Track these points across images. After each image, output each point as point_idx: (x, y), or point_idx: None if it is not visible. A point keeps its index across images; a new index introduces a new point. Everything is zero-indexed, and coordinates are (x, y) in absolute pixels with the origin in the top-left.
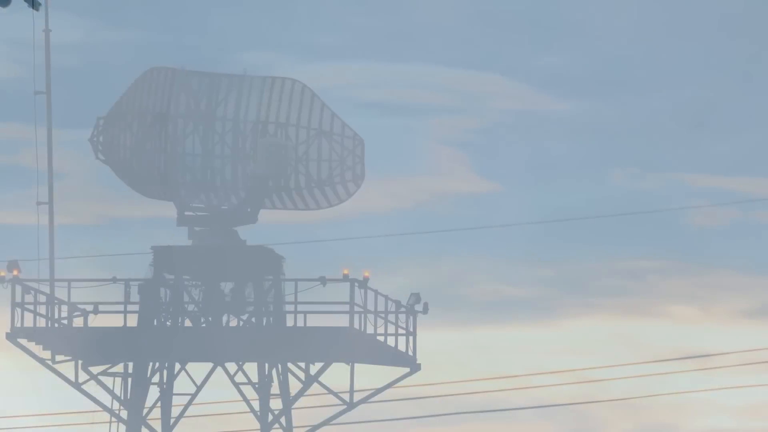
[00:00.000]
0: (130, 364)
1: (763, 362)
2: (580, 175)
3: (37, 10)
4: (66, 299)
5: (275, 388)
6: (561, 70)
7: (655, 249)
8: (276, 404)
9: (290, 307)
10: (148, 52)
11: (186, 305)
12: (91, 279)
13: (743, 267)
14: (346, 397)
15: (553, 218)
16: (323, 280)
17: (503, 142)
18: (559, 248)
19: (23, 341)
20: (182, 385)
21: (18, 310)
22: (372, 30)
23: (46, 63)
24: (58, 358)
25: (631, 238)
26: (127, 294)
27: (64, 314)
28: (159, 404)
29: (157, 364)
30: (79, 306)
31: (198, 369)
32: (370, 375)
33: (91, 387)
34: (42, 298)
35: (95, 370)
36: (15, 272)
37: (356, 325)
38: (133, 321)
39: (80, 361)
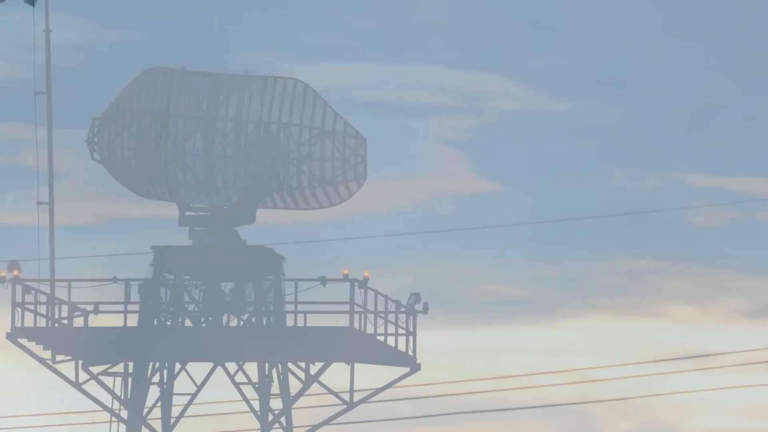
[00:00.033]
0: (131, 364)
1: (763, 362)
2: (580, 175)
3: (33, 5)
4: (66, 299)
5: (275, 388)
6: (561, 70)
7: (655, 249)
8: (276, 404)
9: (290, 307)
10: (148, 53)
11: (186, 305)
12: (92, 279)
13: (743, 267)
14: (346, 396)
15: (553, 218)
16: (323, 280)
17: (503, 142)
18: (559, 248)
19: (24, 341)
20: (182, 384)
21: (18, 310)
22: (372, 30)
23: (46, 63)
24: (59, 358)
25: (631, 238)
26: (127, 294)
27: (64, 314)
28: (159, 404)
29: (158, 364)
30: (79, 306)
31: (198, 369)
32: (370, 375)
33: (92, 387)
34: (42, 298)
35: (95, 369)
36: (15, 272)
37: (356, 325)
38: (133, 321)
39: (80, 361)
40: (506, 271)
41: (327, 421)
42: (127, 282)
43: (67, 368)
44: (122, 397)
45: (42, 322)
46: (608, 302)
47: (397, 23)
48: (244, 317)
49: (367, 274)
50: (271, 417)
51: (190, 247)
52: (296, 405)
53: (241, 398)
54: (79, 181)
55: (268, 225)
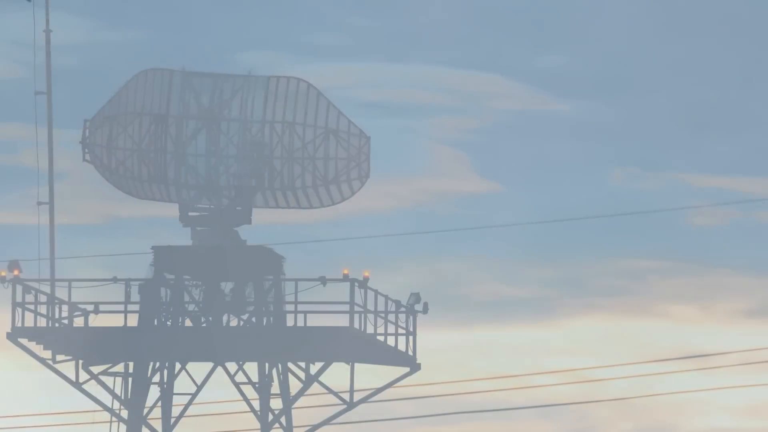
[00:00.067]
0: (131, 364)
1: (762, 362)
2: (580, 175)
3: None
4: (66, 299)
5: (275, 388)
6: (561, 70)
7: (655, 249)
8: (276, 404)
9: (290, 307)
10: (148, 53)
11: (186, 305)
12: (92, 279)
13: (743, 267)
14: (346, 396)
15: (553, 218)
16: (323, 280)
17: (503, 142)
18: (559, 248)
19: (24, 341)
20: (182, 384)
21: (19, 310)
22: (372, 30)
23: (46, 63)
24: (59, 357)
25: (631, 238)
26: (127, 294)
27: (64, 314)
28: (159, 404)
29: (158, 364)
30: (79, 306)
31: (198, 369)
32: (370, 375)
33: (92, 387)
34: (43, 298)
35: (96, 369)
36: (16, 272)
37: (356, 325)
38: (133, 321)
39: (81, 361)
40: (506, 271)
41: (327, 421)
42: (128, 282)
43: (68, 368)
44: (122, 397)
45: (42, 322)
46: (608, 302)
47: (398, 23)
48: (244, 317)
49: (367, 274)
50: (271, 417)
51: (190, 247)
52: (296, 405)
53: (242, 398)
54: (79, 181)
55: (268, 225)
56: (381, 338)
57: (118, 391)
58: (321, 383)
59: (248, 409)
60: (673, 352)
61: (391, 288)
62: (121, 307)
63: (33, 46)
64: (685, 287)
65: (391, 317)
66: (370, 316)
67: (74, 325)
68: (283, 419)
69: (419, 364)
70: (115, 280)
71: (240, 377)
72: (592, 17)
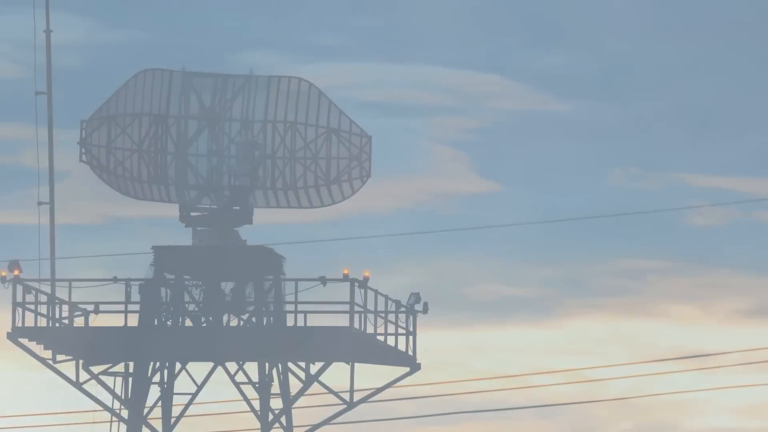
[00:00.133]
0: (131, 364)
1: (762, 362)
2: (580, 175)
3: None
4: (67, 299)
5: (275, 388)
6: (561, 70)
7: (655, 249)
8: (276, 404)
9: (290, 307)
10: (148, 53)
11: (186, 305)
12: (92, 279)
13: (743, 267)
14: (346, 396)
15: (553, 218)
16: (323, 280)
17: (503, 142)
18: (559, 248)
19: (24, 341)
20: (183, 384)
21: (19, 310)
22: (372, 30)
23: (47, 63)
24: (59, 357)
25: (631, 238)
26: (127, 294)
27: (65, 314)
28: (160, 404)
29: (158, 364)
30: (80, 306)
31: (198, 368)
32: (370, 374)
33: (92, 386)
34: (43, 298)
35: (96, 369)
36: (16, 272)
37: (356, 325)
38: (133, 321)
39: (81, 361)
40: (506, 271)
41: (327, 421)
42: (128, 282)
43: (68, 368)
44: (123, 397)
45: (43, 322)
46: (608, 302)
47: (397, 23)
48: (245, 317)
49: (367, 274)
50: (271, 417)
51: (190, 247)
52: (296, 405)
53: (242, 398)
54: (79, 181)
55: (269, 225)
56: (381, 338)
57: (118, 390)
58: (321, 383)
59: (248, 409)
60: (673, 351)
61: (391, 288)
62: (122, 307)
63: (33, 46)
64: (685, 287)
65: (391, 317)
66: (370, 316)
67: (74, 325)
68: (283, 419)
69: (419, 364)
70: (115, 280)
71: (240, 377)
72: (592, 17)
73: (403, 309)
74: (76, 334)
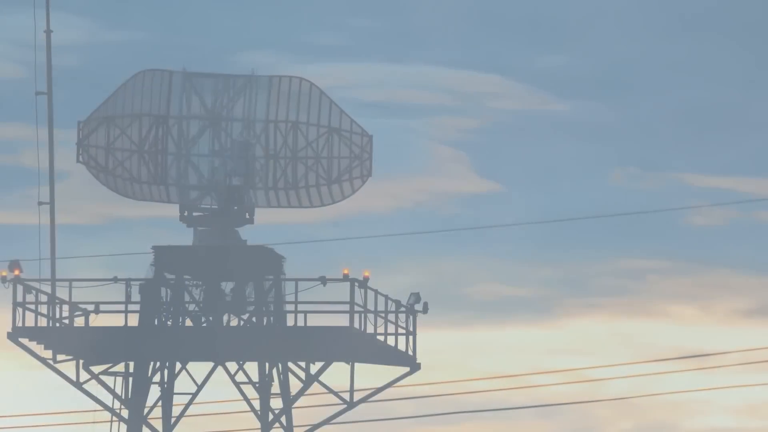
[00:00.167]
0: (131, 364)
1: (762, 362)
2: (580, 175)
3: None
4: (67, 299)
5: (276, 388)
6: (561, 70)
7: (655, 249)
8: (276, 403)
9: (290, 307)
10: (148, 53)
11: (187, 305)
12: (92, 279)
13: (743, 267)
14: (347, 396)
15: (553, 218)
16: (323, 280)
17: (503, 142)
18: (559, 248)
19: (24, 341)
20: (183, 384)
21: (19, 310)
22: (372, 30)
23: (47, 63)
24: (60, 357)
25: (631, 238)
26: (128, 294)
27: (65, 314)
28: (160, 403)
29: (158, 364)
30: (80, 306)
31: (199, 368)
32: (370, 374)
33: (92, 386)
34: (43, 298)
35: (96, 369)
36: (16, 272)
37: (356, 325)
38: (134, 321)
39: (81, 361)
40: (506, 271)
41: (327, 421)
42: (128, 282)
43: (68, 368)
44: (123, 397)
45: (43, 322)
46: (608, 302)
47: (398, 23)
48: (245, 317)
49: (367, 274)
50: (271, 416)
51: (190, 247)
52: (296, 404)
53: (242, 398)
54: (80, 181)
55: (269, 225)
56: (381, 338)
57: (118, 390)
58: (321, 383)
59: (248, 408)
60: (672, 351)
61: (391, 288)
62: (122, 307)
63: (34, 47)
64: (685, 287)
65: (391, 317)
66: (370, 316)
67: (75, 324)
68: (283, 419)
69: (419, 364)
70: (115, 280)
71: (240, 377)
72: (592, 17)
73: (403, 309)
74: (77, 334)
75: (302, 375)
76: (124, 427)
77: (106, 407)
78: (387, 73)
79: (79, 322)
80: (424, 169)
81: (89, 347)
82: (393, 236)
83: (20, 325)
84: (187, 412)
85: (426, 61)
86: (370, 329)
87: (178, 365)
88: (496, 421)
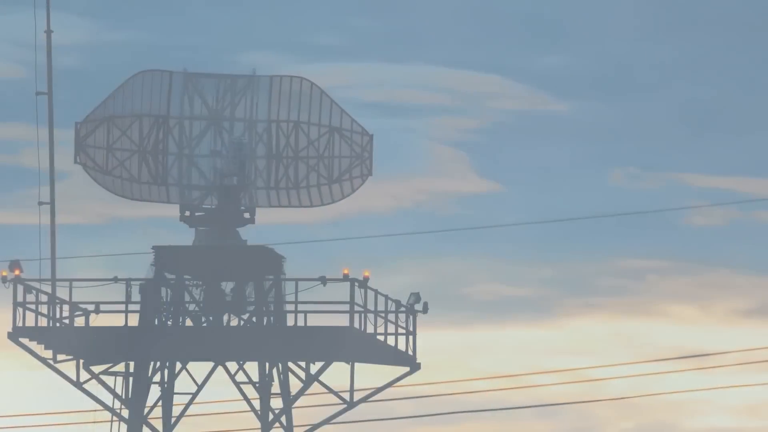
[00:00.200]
0: (131, 364)
1: (762, 362)
2: (580, 175)
3: None
4: (67, 299)
5: (276, 388)
6: (561, 70)
7: (655, 249)
8: (276, 403)
9: (291, 307)
10: (149, 53)
11: (187, 305)
12: (93, 279)
13: (742, 267)
14: (347, 396)
15: (553, 218)
16: (323, 280)
17: (503, 142)
18: (559, 248)
19: (25, 341)
20: (183, 384)
21: (20, 310)
22: (372, 30)
23: (47, 64)
24: (60, 357)
25: (631, 238)
26: (128, 294)
27: (65, 314)
28: (160, 403)
29: (158, 364)
30: (80, 305)
31: (199, 368)
32: (370, 374)
33: (93, 386)
34: (43, 298)
35: (96, 369)
36: (16, 272)
37: (356, 325)
38: (134, 320)
39: (81, 361)
40: (506, 271)
41: (327, 421)
42: (128, 282)
43: (68, 368)
44: (123, 397)
45: (43, 322)
46: (608, 302)
47: (397, 23)
48: (245, 317)
49: (367, 274)
50: (271, 416)
51: (190, 247)
52: (296, 404)
53: (242, 398)
54: (80, 181)
55: (269, 225)
56: (381, 338)
57: (118, 390)
58: (321, 383)
59: (248, 408)
60: (672, 351)
61: (391, 288)
62: (122, 307)
63: (34, 47)
64: (685, 287)
65: (391, 317)
66: (370, 316)
67: (75, 324)
68: (283, 419)
69: (419, 364)
70: (115, 279)
71: (240, 377)
72: (592, 17)
73: (403, 309)
74: (77, 334)
75: (302, 375)
76: (124, 427)
77: (106, 407)
78: (387, 73)
79: (79, 322)
80: (424, 169)
81: (89, 347)
82: (393, 236)
83: (20, 325)
84: (187, 412)
85: (426, 61)
86: (370, 329)
87: (179, 365)
88: (496, 421)
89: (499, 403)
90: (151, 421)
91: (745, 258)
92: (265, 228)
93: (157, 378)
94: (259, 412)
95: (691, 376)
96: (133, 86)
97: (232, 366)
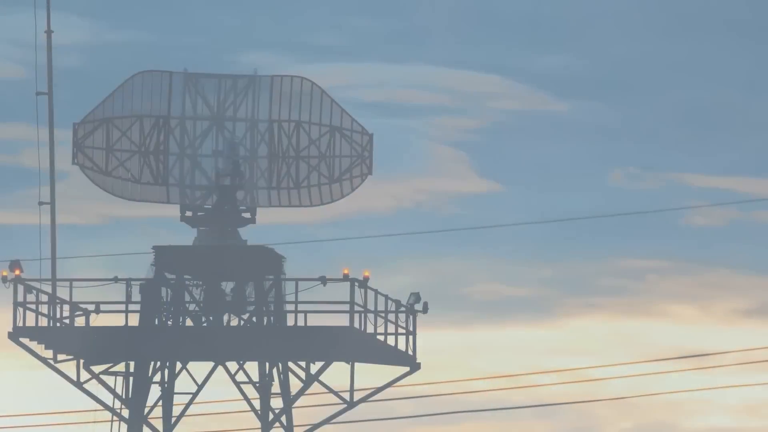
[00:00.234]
0: (132, 364)
1: (761, 362)
2: (580, 175)
3: None
4: (68, 299)
5: (276, 387)
6: (561, 70)
7: (654, 249)
8: (276, 403)
9: (291, 307)
10: (149, 54)
11: (187, 305)
12: (93, 279)
13: (742, 267)
14: (347, 396)
15: (553, 218)
16: (323, 280)
17: (503, 142)
18: (559, 248)
19: (25, 340)
20: (183, 384)
21: (20, 310)
22: (372, 30)
23: (48, 64)
24: (60, 357)
25: (631, 238)
26: (128, 293)
27: (65, 314)
28: (160, 403)
29: (159, 364)
30: (80, 305)
31: (199, 368)
32: (370, 374)
33: (93, 386)
34: (44, 298)
35: (97, 369)
36: (17, 272)
37: (356, 325)
38: (134, 320)
39: (82, 361)
40: (506, 271)
41: (327, 420)
42: (129, 282)
43: (69, 367)
44: (123, 397)
45: (43, 322)
46: (608, 302)
47: (397, 23)
48: (245, 317)
49: (367, 274)
50: (271, 416)
51: (191, 247)
52: (297, 404)
53: (242, 397)
54: (80, 181)
55: (269, 225)
56: (381, 338)
57: (119, 390)
58: (321, 383)
59: (249, 408)
60: (672, 351)
61: (391, 288)
62: (122, 307)
63: (34, 47)
64: (685, 287)
65: (391, 317)
66: (370, 316)
67: (75, 324)
68: (283, 418)
69: (419, 364)
70: (116, 279)
71: (240, 377)
72: (592, 17)
73: (403, 309)
74: (77, 334)
75: (302, 375)
76: (124, 426)
77: (106, 407)
78: (387, 73)
79: (79, 321)
80: (424, 169)
81: (90, 347)
82: (393, 236)
83: (21, 324)
84: (188, 412)
85: (426, 61)
86: (370, 329)
87: (179, 365)
88: (496, 421)
89: (499, 403)
90: (151, 421)
91: (745, 258)
92: (265, 228)
93: (157, 378)
94: (259, 412)
95: (691, 376)
96: (133, 87)
97: (232, 366)
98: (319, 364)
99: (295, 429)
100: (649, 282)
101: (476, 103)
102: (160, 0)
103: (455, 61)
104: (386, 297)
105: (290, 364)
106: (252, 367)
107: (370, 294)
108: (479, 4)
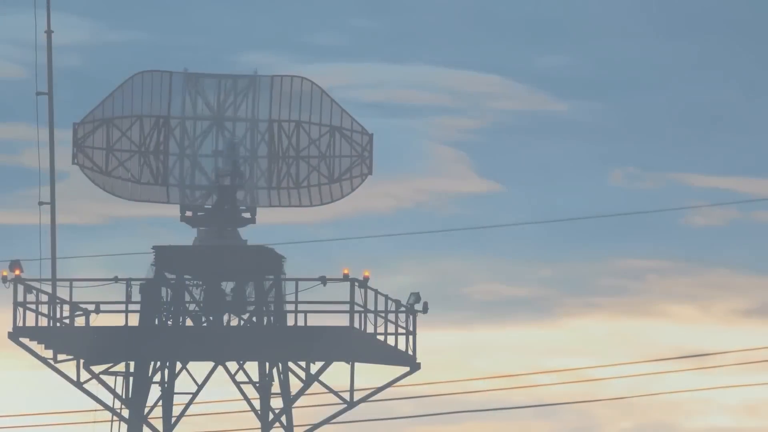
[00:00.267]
0: (132, 364)
1: (761, 361)
2: (580, 175)
3: None
4: (68, 299)
5: (276, 387)
6: (561, 70)
7: (654, 249)
8: (276, 403)
9: (291, 307)
10: (149, 53)
11: (187, 305)
12: (93, 279)
13: (742, 267)
14: (347, 396)
15: (553, 218)
16: (323, 280)
17: (503, 142)
18: (559, 248)
19: (25, 340)
20: (183, 384)
21: (20, 310)
22: (372, 30)
23: (48, 64)
24: (60, 357)
25: (631, 238)
26: (128, 293)
27: (65, 314)
28: (160, 403)
29: (159, 364)
30: (80, 305)
31: (199, 368)
32: (370, 374)
33: (93, 386)
34: (44, 298)
35: (97, 369)
36: (17, 272)
37: (356, 325)
38: (134, 320)
39: (82, 361)
40: (506, 271)
41: (327, 420)
42: (129, 282)
43: (69, 367)
44: (123, 397)
45: (43, 322)
46: (608, 302)
47: (398, 23)
48: (245, 317)
49: (367, 274)
50: (271, 416)
51: (191, 247)
52: (297, 404)
53: (242, 397)
54: (80, 181)
55: (269, 225)
56: (381, 338)
57: (119, 390)
58: (321, 383)
59: (249, 408)
60: (672, 351)
61: (391, 288)
62: (122, 307)
63: (34, 47)
64: (685, 287)
65: (391, 317)
66: (370, 316)
67: (75, 324)
68: (283, 418)
69: (419, 364)
70: (116, 279)
71: (240, 377)
72: (592, 17)
73: (403, 309)
74: (77, 334)
75: (302, 375)
76: (124, 426)
77: (106, 407)
78: (387, 73)
79: (79, 321)
80: (424, 169)
81: (90, 347)
82: (393, 236)
83: (21, 324)
84: (188, 412)
85: (426, 61)
86: (370, 329)
87: (179, 365)
88: (496, 421)
89: (499, 403)
90: (151, 421)
91: (745, 258)
92: (265, 228)
93: (157, 378)
94: (259, 412)
95: (691, 376)
96: (133, 87)
97: (232, 366)
98: (319, 364)
99: (295, 429)
100: (649, 282)
101: (476, 103)
102: (160, 0)
103: (455, 61)
104: (386, 297)
105: (290, 364)
106: (252, 367)
107: (370, 294)
108: (479, 4)
